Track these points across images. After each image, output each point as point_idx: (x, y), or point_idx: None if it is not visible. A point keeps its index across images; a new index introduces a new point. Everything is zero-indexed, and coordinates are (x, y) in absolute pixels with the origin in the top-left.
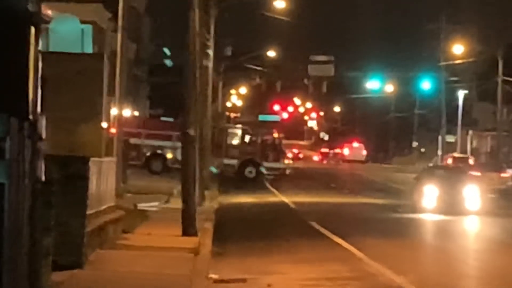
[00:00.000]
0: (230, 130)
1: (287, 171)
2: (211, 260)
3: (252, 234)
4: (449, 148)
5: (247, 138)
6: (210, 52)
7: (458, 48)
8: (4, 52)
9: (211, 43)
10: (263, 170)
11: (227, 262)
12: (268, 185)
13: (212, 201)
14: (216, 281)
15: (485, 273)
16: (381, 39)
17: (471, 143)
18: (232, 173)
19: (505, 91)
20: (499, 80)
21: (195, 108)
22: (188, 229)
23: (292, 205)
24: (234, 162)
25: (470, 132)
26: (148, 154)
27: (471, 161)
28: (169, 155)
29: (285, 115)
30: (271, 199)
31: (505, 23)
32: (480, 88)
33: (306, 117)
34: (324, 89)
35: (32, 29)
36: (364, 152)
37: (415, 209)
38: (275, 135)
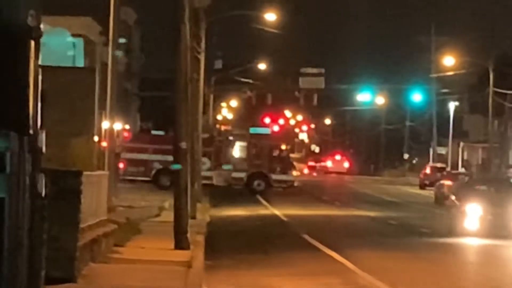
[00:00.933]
0: (237, 143)
1: (295, 183)
2: (203, 273)
3: (244, 247)
4: (440, 160)
5: (254, 151)
6: (201, 65)
7: (449, 60)
8: (3, 67)
9: (201, 56)
10: (272, 183)
11: (220, 275)
12: (259, 198)
13: (204, 214)
14: None
15: (477, 283)
16: (372, 51)
17: (462, 155)
18: (240, 186)
19: (496, 103)
20: (490, 92)
21: (187, 121)
22: (180, 242)
23: (284, 218)
24: (242, 175)
25: (461, 144)
26: (156, 169)
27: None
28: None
29: (276, 128)
30: (262, 212)
31: (495, 34)
32: (471, 100)
33: (297, 130)
34: (315, 101)
35: (32, 43)
36: (346, 164)
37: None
38: (283, 147)
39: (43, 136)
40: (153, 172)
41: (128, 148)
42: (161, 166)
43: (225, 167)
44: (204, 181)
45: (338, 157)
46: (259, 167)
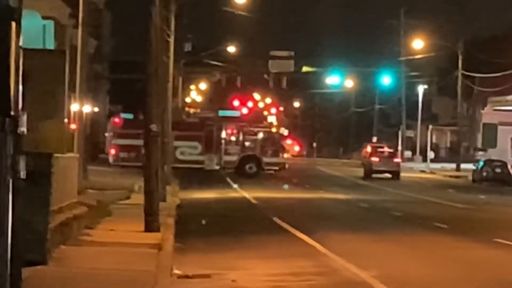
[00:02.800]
0: (228, 126)
1: (286, 166)
2: (174, 255)
3: (215, 230)
4: (409, 143)
5: (246, 134)
6: (171, 47)
7: (418, 43)
8: None
9: (171, 39)
10: (264, 166)
11: (191, 258)
12: (229, 180)
13: (174, 197)
14: (180, 276)
15: (448, 264)
16: (341, 34)
17: (431, 138)
18: (232, 169)
19: (464, 86)
20: (459, 75)
21: (157, 104)
22: (151, 224)
23: (253, 201)
24: (234, 158)
25: (430, 127)
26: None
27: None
28: None
29: (244, 111)
30: (232, 194)
31: (465, 18)
32: (440, 83)
33: (265, 113)
34: (284, 84)
35: (14, 25)
36: (296, 148)
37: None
38: (274, 130)
39: (24, 118)
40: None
41: (119, 134)
42: None
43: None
44: (196, 165)
45: (289, 141)
46: (251, 150)
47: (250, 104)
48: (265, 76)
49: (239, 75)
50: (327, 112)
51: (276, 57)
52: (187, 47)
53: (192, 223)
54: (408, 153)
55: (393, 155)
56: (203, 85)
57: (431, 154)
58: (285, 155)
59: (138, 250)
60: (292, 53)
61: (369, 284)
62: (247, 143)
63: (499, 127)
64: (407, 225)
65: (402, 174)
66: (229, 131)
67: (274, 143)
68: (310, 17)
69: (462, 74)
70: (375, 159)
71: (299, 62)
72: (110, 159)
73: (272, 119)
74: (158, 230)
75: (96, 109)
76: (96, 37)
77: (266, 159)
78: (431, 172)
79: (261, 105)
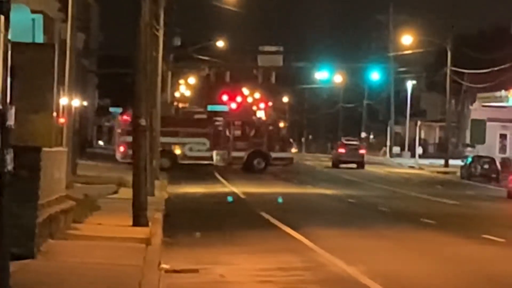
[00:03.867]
0: (236, 122)
1: (294, 160)
2: (162, 250)
3: (203, 225)
4: (397, 138)
5: (253, 130)
6: (159, 42)
7: (407, 39)
8: None
9: (160, 33)
10: (271, 161)
11: (179, 253)
12: (218, 175)
13: (162, 191)
14: (168, 271)
15: (436, 260)
16: (330, 29)
17: (420, 133)
18: (240, 164)
19: (453, 82)
20: (448, 71)
21: (146, 98)
22: (139, 219)
23: (242, 196)
24: (242, 154)
25: (419, 122)
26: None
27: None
28: (177, 151)
29: (233, 105)
30: (221, 189)
31: (454, 14)
32: (429, 79)
33: (254, 107)
34: (273, 79)
35: (2, 18)
36: None
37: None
38: (281, 125)
39: (12, 112)
40: None
41: (128, 131)
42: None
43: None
44: (205, 161)
45: None
46: (259, 145)
47: (239, 99)
48: (254, 71)
49: (228, 69)
50: (316, 107)
51: (265, 52)
52: (176, 41)
53: (181, 218)
54: (396, 149)
55: (358, 147)
56: (192, 80)
57: (419, 150)
58: (293, 150)
59: (126, 245)
60: (281, 48)
61: (357, 279)
62: (255, 139)
63: (488, 123)
64: (395, 220)
65: (391, 170)
66: (237, 126)
67: (281, 138)
68: (299, 12)
69: (451, 70)
70: (341, 150)
71: (288, 57)
72: (118, 156)
73: (261, 114)
74: (146, 225)
75: (85, 103)
76: (85, 31)
77: (274, 154)
78: (420, 168)
79: (250, 100)
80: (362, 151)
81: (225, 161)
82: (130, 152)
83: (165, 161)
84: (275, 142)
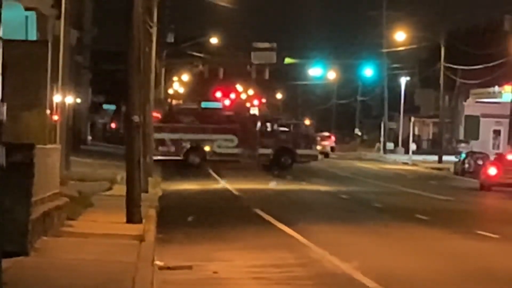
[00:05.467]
0: (263, 119)
1: (319, 157)
2: (156, 247)
3: (197, 221)
4: (391, 134)
5: (280, 127)
6: (153, 38)
7: (400, 35)
8: None
9: (153, 29)
10: (297, 158)
11: (172, 249)
12: (211, 172)
13: (156, 188)
14: (161, 268)
15: (430, 256)
16: (324, 25)
17: (413, 129)
18: (267, 161)
19: (447, 78)
20: (441, 67)
21: (139, 95)
22: (133, 216)
23: (236, 192)
24: (269, 151)
25: (412, 118)
26: (187, 148)
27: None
28: (206, 148)
29: (227, 102)
30: (214, 186)
31: (447, 10)
32: (423, 75)
33: (248, 104)
34: (267, 76)
35: None
36: None
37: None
38: (307, 122)
39: (4, 109)
40: (184, 151)
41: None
42: (189, 145)
43: None
44: (232, 158)
45: None
46: (285, 142)
47: (232, 95)
48: (248, 67)
49: (222, 66)
50: (309, 103)
51: (258, 48)
52: (170, 38)
53: (174, 215)
54: (390, 145)
55: (325, 138)
56: (185, 77)
57: (413, 146)
58: (318, 147)
59: (119, 241)
60: (275, 45)
61: (350, 276)
62: (281, 136)
63: (482, 119)
64: (389, 216)
65: (385, 166)
66: (264, 123)
67: (307, 136)
68: (292, 9)
69: (444, 66)
70: None
71: (282, 54)
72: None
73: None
74: (140, 221)
75: (78, 100)
76: (79, 28)
77: (299, 151)
78: (413, 164)
79: (243, 96)
80: (325, 143)
81: (252, 158)
82: (162, 148)
83: (194, 158)
84: (300, 139)
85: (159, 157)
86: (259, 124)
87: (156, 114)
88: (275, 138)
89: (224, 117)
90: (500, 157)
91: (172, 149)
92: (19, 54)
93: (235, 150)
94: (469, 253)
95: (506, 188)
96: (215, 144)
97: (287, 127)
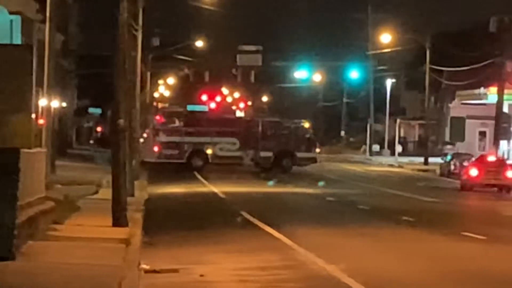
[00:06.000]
0: (265, 123)
1: (318, 160)
2: (142, 250)
3: (183, 224)
4: (377, 136)
5: (281, 130)
6: (138, 42)
7: (386, 37)
8: None
9: (139, 33)
10: (298, 161)
11: (159, 253)
12: (197, 175)
13: (142, 191)
14: (147, 271)
15: (416, 258)
16: (310, 28)
17: (399, 131)
18: (268, 164)
19: (432, 80)
20: (427, 69)
21: (125, 99)
22: (119, 219)
23: (222, 195)
24: (270, 154)
25: (398, 120)
26: (190, 151)
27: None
28: (209, 151)
29: (213, 105)
30: (201, 189)
31: (432, 12)
32: (408, 77)
33: (234, 107)
34: (252, 78)
35: None
36: None
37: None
38: (307, 125)
39: None
40: (187, 154)
41: (164, 130)
42: (191, 148)
43: None
44: (234, 161)
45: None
46: (286, 145)
47: (218, 98)
48: (233, 70)
49: (207, 69)
50: (296, 106)
51: (244, 51)
52: (155, 41)
53: (161, 218)
54: (376, 147)
55: None
56: (171, 80)
57: (399, 148)
58: (317, 150)
59: (106, 245)
60: (260, 48)
61: (337, 278)
62: (281, 139)
63: (467, 121)
64: (375, 218)
65: (371, 168)
66: (265, 126)
67: (307, 139)
68: (278, 11)
69: (430, 68)
70: None
71: (267, 56)
72: (153, 156)
73: (240, 113)
74: (126, 225)
75: (64, 104)
76: (64, 32)
77: (299, 154)
78: (399, 166)
79: (229, 99)
80: None
81: (254, 160)
82: (165, 152)
83: (197, 161)
84: (300, 142)
85: (162, 160)
86: (260, 126)
87: (159, 117)
88: (276, 141)
89: (226, 120)
90: (481, 159)
91: (175, 152)
92: (4, 58)
93: (237, 153)
94: (455, 255)
95: (487, 189)
96: (217, 147)
97: (287, 130)
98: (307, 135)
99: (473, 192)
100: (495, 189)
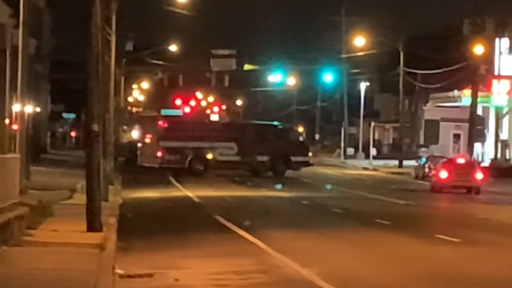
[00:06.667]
0: (260, 127)
1: (311, 162)
2: (117, 255)
3: (158, 229)
4: (351, 140)
5: (276, 134)
6: (112, 47)
7: (359, 41)
8: None
9: (112, 38)
10: (293, 165)
11: (133, 257)
12: (172, 179)
13: (116, 196)
14: (122, 276)
15: (390, 261)
16: (283, 32)
17: (374, 134)
18: (264, 168)
19: (406, 83)
20: (401, 71)
21: (98, 103)
22: (93, 224)
23: (196, 199)
24: (266, 158)
25: (372, 123)
26: (191, 156)
27: None
28: (209, 156)
29: (187, 109)
30: (175, 193)
31: (405, 15)
32: (382, 80)
33: (208, 111)
34: (226, 82)
35: None
36: None
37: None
38: (301, 129)
39: None
40: (188, 159)
41: (167, 136)
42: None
43: None
44: (233, 166)
45: None
46: (280, 150)
47: (192, 102)
48: (207, 74)
49: (181, 73)
50: (270, 110)
51: (218, 55)
52: (129, 46)
53: (135, 223)
54: (350, 150)
55: None
56: (145, 84)
57: (373, 151)
58: (310, 154)
59: (80, 250)
60: (234, 52)
61: (311, 281)
62: (277, 143)
63: (441, 123)
64: (349, 222)
65: (346, 171)
66: (260, 130)
67: (301, 143)
68: (252, 15)
69: (404, 71)
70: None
71: (241, 60)
72: (156, 162)
73: (215, 117)
74: (100, 230)
75: (38, 109)
76: (37, 37)
77: (293, 158)
78: (374, 169)
79: (203, 103)
80: None
81: (251, 165)
82: (168, 157)
83: (198, 166)
84: (294, 147)
85: (166, 165)
86: (256, 131)
87: (163, 123)
88: (271, 146)
89: (225, 125)
90: (450, 161)
91: (177, 157)
92: None
93: (235, 158)
94: (429, 257)
95: (456, 190)
96: (217, 152)
97: (282, 134)
98: (301, 139)
99: (443, 194)
100: (464, 190)
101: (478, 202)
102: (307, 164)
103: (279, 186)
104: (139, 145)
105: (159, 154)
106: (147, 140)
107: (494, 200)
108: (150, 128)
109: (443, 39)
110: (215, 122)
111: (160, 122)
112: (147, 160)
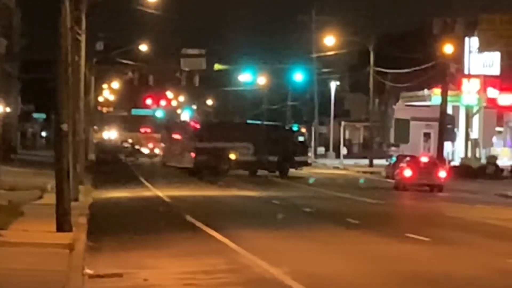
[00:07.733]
0: (272, 129)
1: (310, 162)
2: (86, 255)
3: (127, 229)
4: (322, 139)
5: (282, 135)
6: (82, 46)
7: (329, 40)
8: None
9: (82, 38)
10: (295, 165)
11: (103, 257)
12: (142, 179)
13: (87, 196)
14: (91, 276)
15: (360, 260)
16: (254, 31)
17: (344, 134)
18: (273, 168)
19: (376, 82)
20: (371, 71)
21: (68, 103)
22: (63, 224)
23: (166, 199)
24: (275, 158)
25: (343, 123)
26: (219, 156)
27: None
28: (232, 156)
29: (159, 111)
30: (145, 193)
31: (375, 14)
32: (352, 79)
33: (179, 111)
34: (197, 82)
35: None
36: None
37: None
38: (303, 130)
39: None
40: (215, 159)
41: (200, 137)
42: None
43: None
44: (249, 166)
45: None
46: (287, 150)
47: (163, 102)
48: (177, 74)
49: (152, 73)
50: (241, 109)
51: (187, 55)
52: (99, 46)
53: (105, 223)
54: (321, 150)
55: None
56: (115, 84)
57: (344, 150)
58: (309, 154)
59: (50, 250)
60: (203, 51)
61: (280, 281)
62: (283, 144)
63: (412, 122)
64: (319, 221)
65: (315, 171)
66: (272, 132)
67: (302, 143)
68: (222, 15)
69: (374, 70)
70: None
71: (211, 60)
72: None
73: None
74: (70, 230)
75: (8, 109)
76: (7, 36)
77: (297, 158)
78: (345, 168)
79: (174, 103)
80: None
81: (264, 165)
82: (200, 158)
83: (224, 166)
84: (298, 147)
85: (199, 166)
86: (266, 132)
87: (192, 123)
88: (279, 146)
89: (242, 126)
90: (414, 159)
91: (205, 158)
92: None
93: (252, 158)
94: (400, 257)
95: (419, 188)
96: (238, 152)
97: (289, 135)
98: (302, 139)
99: (407, 192)
100: (427, 188)
101: (447, 201)
102: (306, 163)
103: (312, 180)
104: (162, 145)
105: (192, 155)
106: (173, 142)
107: (464, 199)
108: (176, 130)
109: (413, 39)
110: (235, 123)
111: (192, 123)
112: (174, 160)
